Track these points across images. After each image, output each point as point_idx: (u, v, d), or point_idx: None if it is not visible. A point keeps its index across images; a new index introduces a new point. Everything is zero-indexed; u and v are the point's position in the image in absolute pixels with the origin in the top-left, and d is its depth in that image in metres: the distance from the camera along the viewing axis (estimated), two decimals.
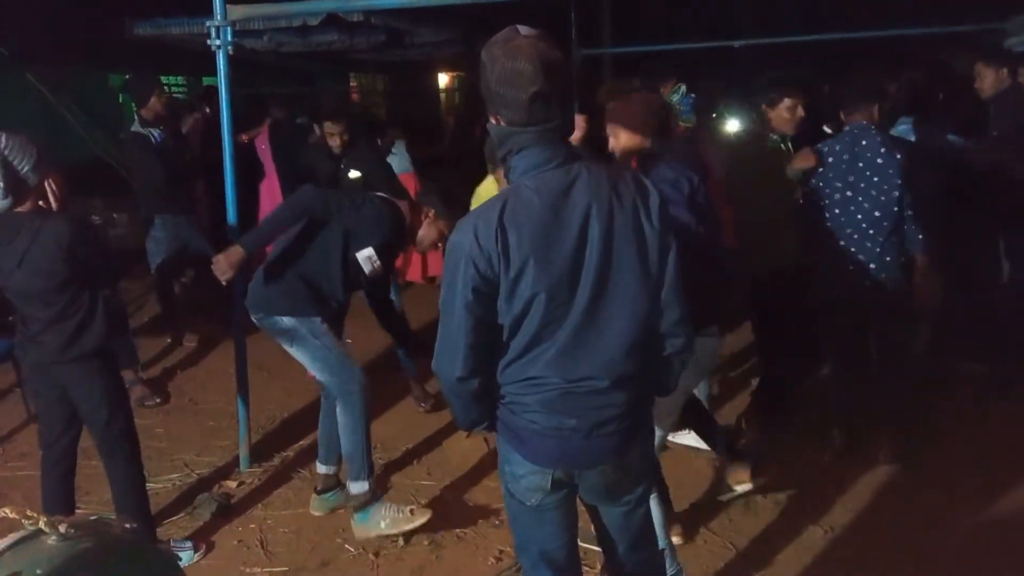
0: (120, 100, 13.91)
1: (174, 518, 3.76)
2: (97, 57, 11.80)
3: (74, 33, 11.01)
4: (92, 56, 11.66)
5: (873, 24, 7.80)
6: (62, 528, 1.19)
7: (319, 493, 3.75)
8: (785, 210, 4.07)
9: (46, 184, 2.98)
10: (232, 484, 4.03)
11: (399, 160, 6.64)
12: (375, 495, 3.44)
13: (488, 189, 3.71)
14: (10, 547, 1.19)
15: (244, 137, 6.73)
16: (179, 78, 14.28)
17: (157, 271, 5.78)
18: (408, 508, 3.44)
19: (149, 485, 3.96)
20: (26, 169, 2.90)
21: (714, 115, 6.66)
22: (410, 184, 6.19)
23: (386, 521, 3.38)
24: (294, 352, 3.43)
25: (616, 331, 1.86)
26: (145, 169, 5.56)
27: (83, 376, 3.15)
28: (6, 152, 2.85)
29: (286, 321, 3.36)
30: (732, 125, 5.70)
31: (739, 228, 3.92)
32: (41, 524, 1.18)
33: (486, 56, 1.83)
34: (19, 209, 2.94)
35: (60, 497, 3.34)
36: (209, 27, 3.56)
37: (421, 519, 3.39)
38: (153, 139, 5.51)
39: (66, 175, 3.12)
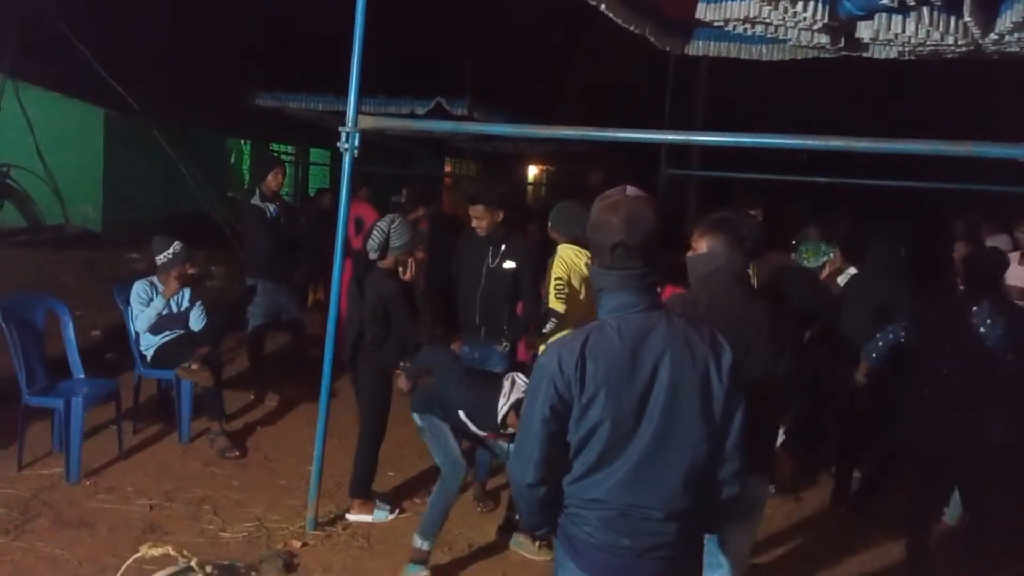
0: (232, 161, 14.89)
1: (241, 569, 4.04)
2: (218, 121, 12.74)
3: (200, 97, 11.96)
4: (214, 120, 12.60)
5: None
6: (208, 568, 1.49)
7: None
8: None
9: (409, 259, 4.60)
10: (296, 544, 4.30)
11: None
12: (428, 559, 4.02)
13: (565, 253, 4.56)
14: None
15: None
16: (289, 146, 15.25)
17: (252, 332, 6.27)
18: None
19: (222, 534, 4.32)
20: (395, 244, 4.45)
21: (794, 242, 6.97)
22: None
23: None
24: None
25: (674, 471, 2.09)
26: (257, 239, 6.12)
27: (369, 377, 4.62)
28: (389, 231, 4.44)
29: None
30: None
31: None
32: (192, 563, 1.49)
33: (593, 207, 2.16)
34: (381, 265, 4.51)
35: None
36: (340, 131, 4.02)
37: None
38: (268, 213, 6.07)
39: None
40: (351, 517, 4.63)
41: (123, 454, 5.17)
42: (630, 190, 2.14)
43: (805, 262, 5.94)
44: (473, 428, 3.91)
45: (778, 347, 2.96)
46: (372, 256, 4.51)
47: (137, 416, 5.62)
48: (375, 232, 4.50)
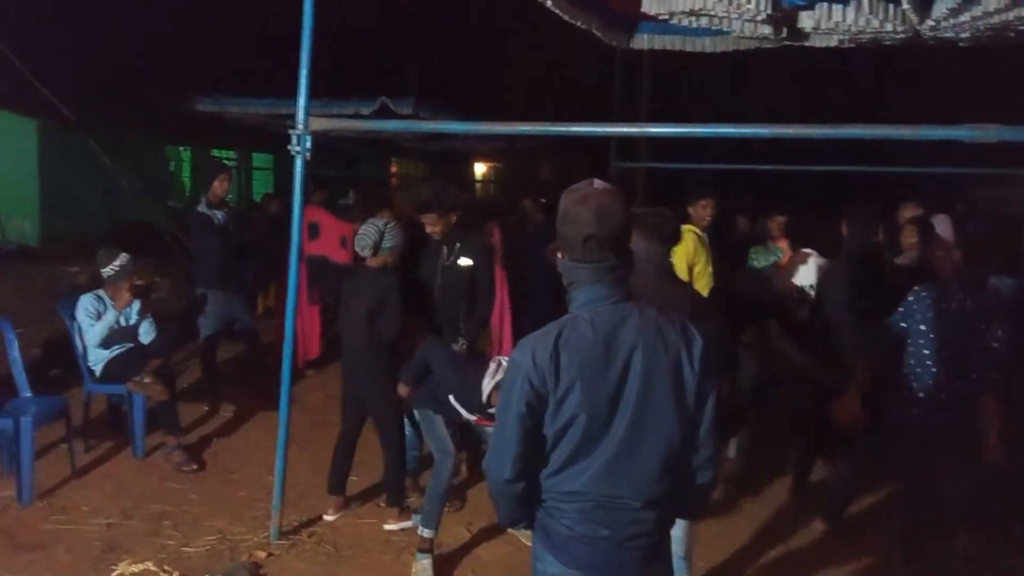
0: (172, 169, 14.56)
1: None
2: (157, 128, 12.43)
3: (137, 104, 11.67)
4: (152, 127, 12.29)
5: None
6: None
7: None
8: None
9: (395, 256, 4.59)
10: (261, 555, 4.22)
11: None
12: (432, 546, 4.11)
13: None
14: None
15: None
16: (231, 152, 14.97)
17: (204, 342, 6.15)
18: None
19: (184, 549, 4.22)
20: (387, 245, 4.46)
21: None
22: None
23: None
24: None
25: (650, 460, 2.10)
26: (205, 247, 6.01)
27: (374, 385, 4.55)
28: (384, 230, 4.46)
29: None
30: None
31: None
32: None
33: (561, 201, 2.16)
34: (371, 263, 4.53)
35: None
36: (291, 134, 3.95)
37: None
38: (216, 220, 5.95)
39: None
40: (392, 527, 4.57)
41: (76, 473, 5.02)
42: (597, 183, 2.15)
43: (754, 262, 6.07)
44: (464, 413, 4.04)
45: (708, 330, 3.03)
46: (364, 254, 4.52)
47: (88, 433, 5.46)
48: (370, 230, 4.47)
